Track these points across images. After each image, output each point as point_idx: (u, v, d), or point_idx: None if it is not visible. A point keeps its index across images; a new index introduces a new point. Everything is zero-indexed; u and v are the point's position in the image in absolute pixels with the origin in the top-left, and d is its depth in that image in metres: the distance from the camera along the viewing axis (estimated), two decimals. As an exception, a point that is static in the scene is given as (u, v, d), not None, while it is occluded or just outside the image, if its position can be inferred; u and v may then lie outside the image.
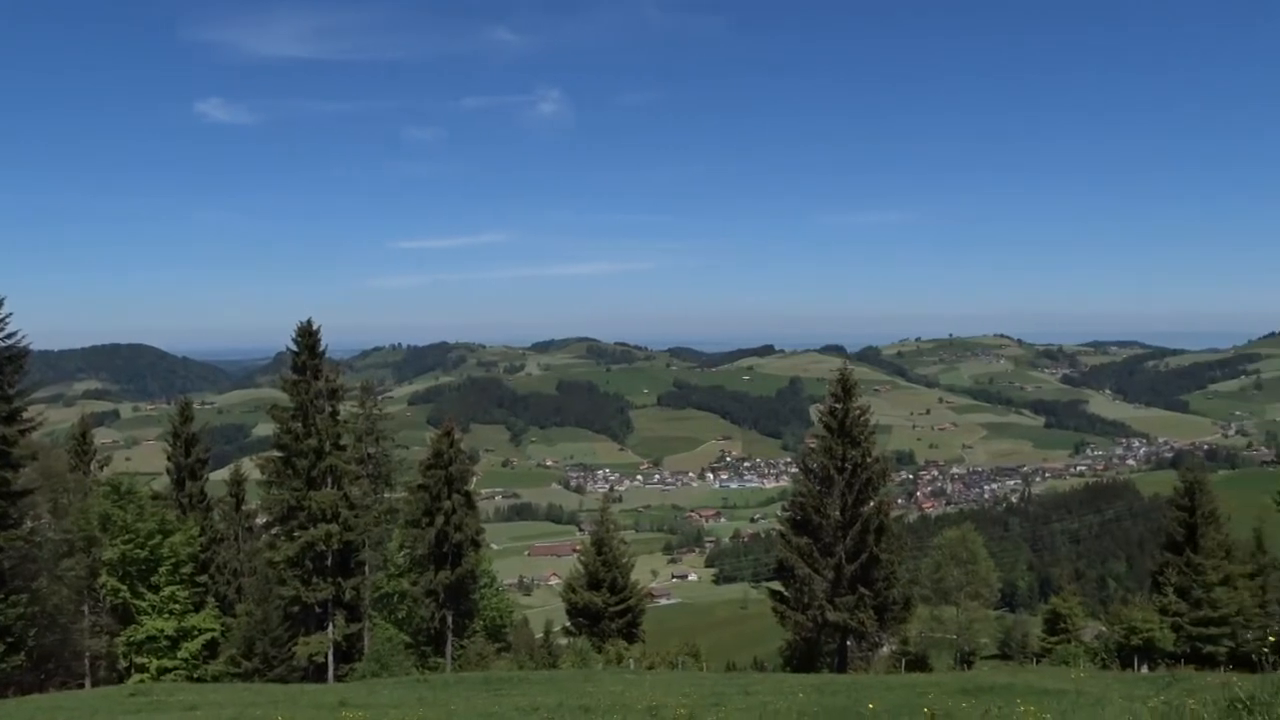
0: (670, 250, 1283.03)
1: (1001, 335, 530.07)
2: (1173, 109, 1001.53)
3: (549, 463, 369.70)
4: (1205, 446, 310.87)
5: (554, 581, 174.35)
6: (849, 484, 42.77)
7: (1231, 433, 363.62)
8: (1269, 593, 49.08)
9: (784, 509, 47.74)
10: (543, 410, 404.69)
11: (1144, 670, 40.92)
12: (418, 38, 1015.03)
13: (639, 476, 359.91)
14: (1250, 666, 31.73)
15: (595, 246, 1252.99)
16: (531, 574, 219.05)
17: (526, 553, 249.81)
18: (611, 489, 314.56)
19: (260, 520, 48.16)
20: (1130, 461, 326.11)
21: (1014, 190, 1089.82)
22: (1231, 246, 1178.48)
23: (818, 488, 43.51)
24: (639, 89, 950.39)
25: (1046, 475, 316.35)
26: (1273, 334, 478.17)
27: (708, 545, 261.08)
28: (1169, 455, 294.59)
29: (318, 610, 42.59)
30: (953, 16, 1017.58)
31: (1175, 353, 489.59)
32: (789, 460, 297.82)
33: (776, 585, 45.93)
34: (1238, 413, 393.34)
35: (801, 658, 46.34)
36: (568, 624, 52.37)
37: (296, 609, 42.25)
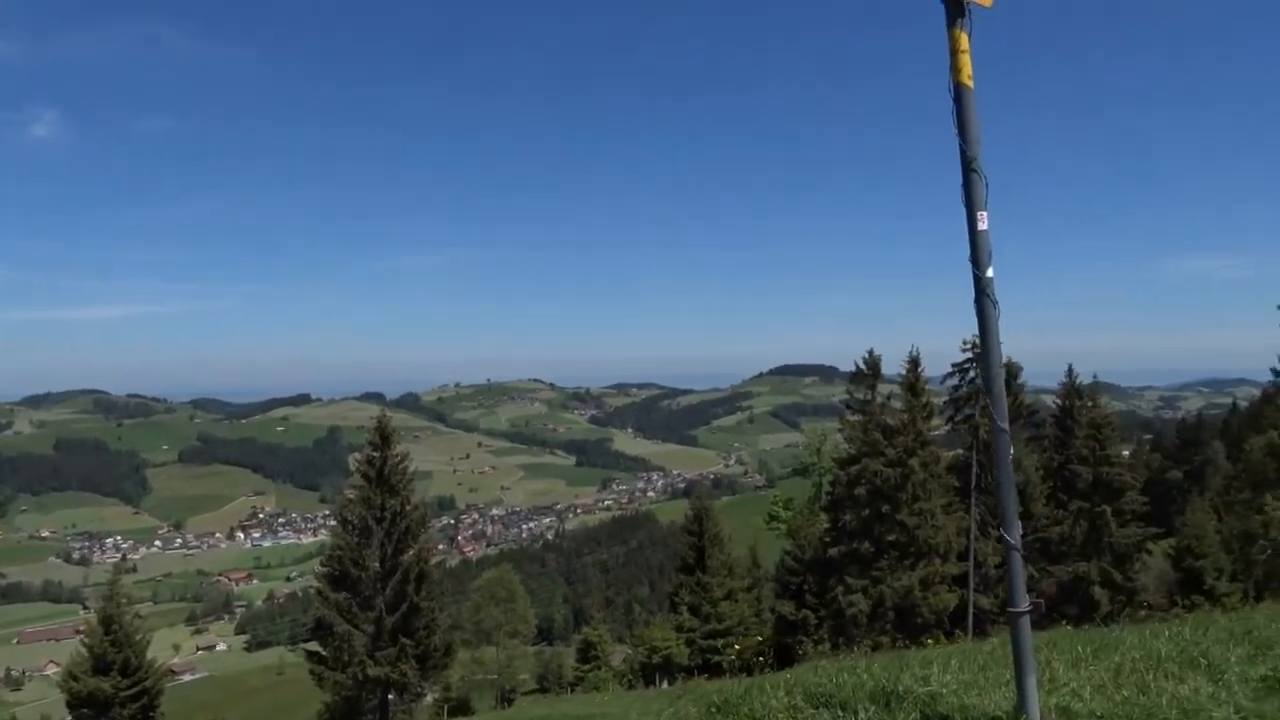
0: (195, 293, 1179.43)
1: (536, 379, 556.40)
2: (609, 170, 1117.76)
3: (45, 534, 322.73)
4: (711, 476, 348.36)
5: (52, 671, 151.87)
6: (388, 533, 42.10)
7: (731, 463, 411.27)
8: (763, 603, 55.79)
9: (322, 564, 45.77)
10: (37, 474, 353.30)
11: (664, 685, 44.56)
12: None
13: (158, 542, 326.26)
14: (747, 670, 35.91)
15: (105, 288, 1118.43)
16: (23, 664, 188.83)
17: (16, 640, 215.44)
18: (124, 558, 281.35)
19: None
20: (650, 493, 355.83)
21: (533, 241, 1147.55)
22: (726, 298, 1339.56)
23: (356, 539, 42.31)
24: (157, 116, 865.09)
25: (579, 511, 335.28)
26: (760, 374, 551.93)
27: (238, 610, 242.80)
28: (682, 485, 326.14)
29: None
30: (435, 85, 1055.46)
31: (685, 392, 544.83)
32: (327, 513, 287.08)
33: (314, 645, 43.88)
34: (736, 445, 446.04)
35: (341, 719, 44.57)
36: (69, 717, 45.94)
37: None
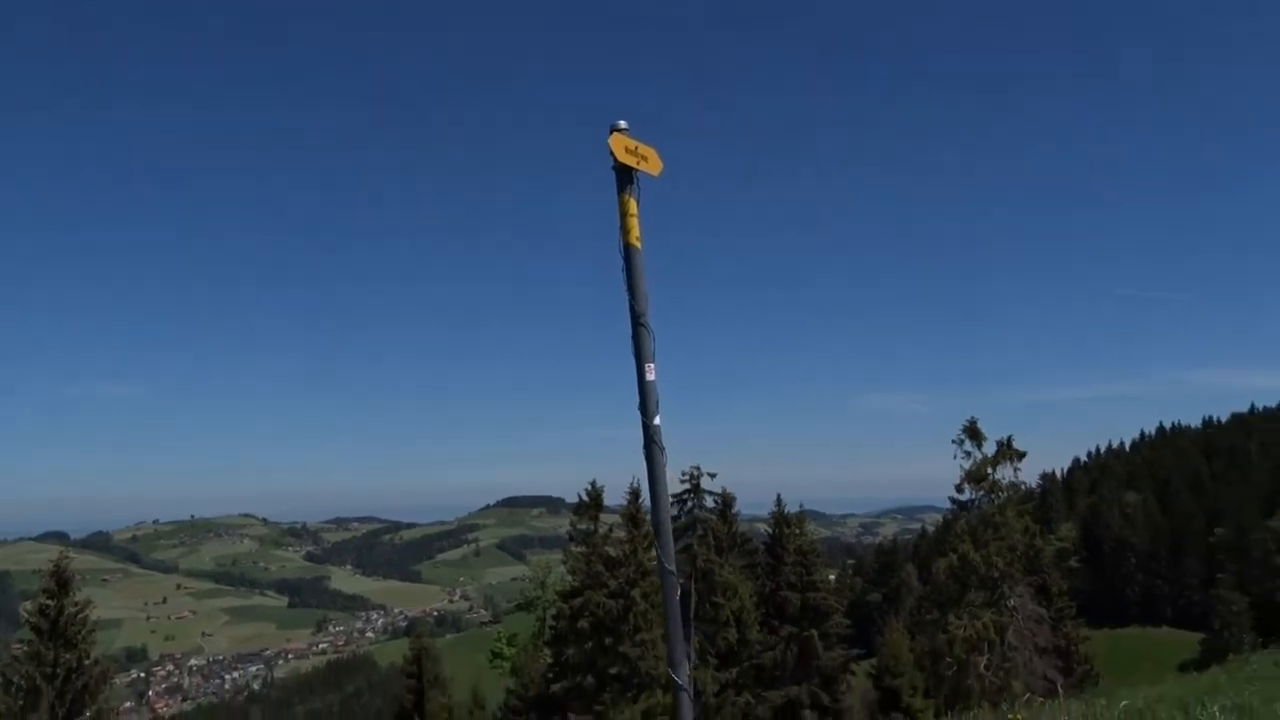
0: None
1: (247, 515, 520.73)
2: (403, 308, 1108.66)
3: None
4: (435, 613, 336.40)
5: None
6: (61, 694, 37.36)
7: (456, 598, 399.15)
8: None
9: (-26, 733, 39.84)
10: None
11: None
12: None
13: None
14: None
15: None
16: None
17: None
18: None
19: None
20: (370, 634, 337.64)
21: (241, 369, 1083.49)
22: (450, 429, 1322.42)
23: (20, 703, 37.20)
24: None
25: (290, 656, 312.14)
26: (487, 506, 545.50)
27: None
28: (404, 624, 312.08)
29: None
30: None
31: (409, 526, 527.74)
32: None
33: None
34: (461, 579, 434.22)
35: None
36: None
37: None
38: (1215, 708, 7.75)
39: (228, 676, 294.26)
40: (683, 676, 4.28)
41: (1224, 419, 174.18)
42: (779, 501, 54.33)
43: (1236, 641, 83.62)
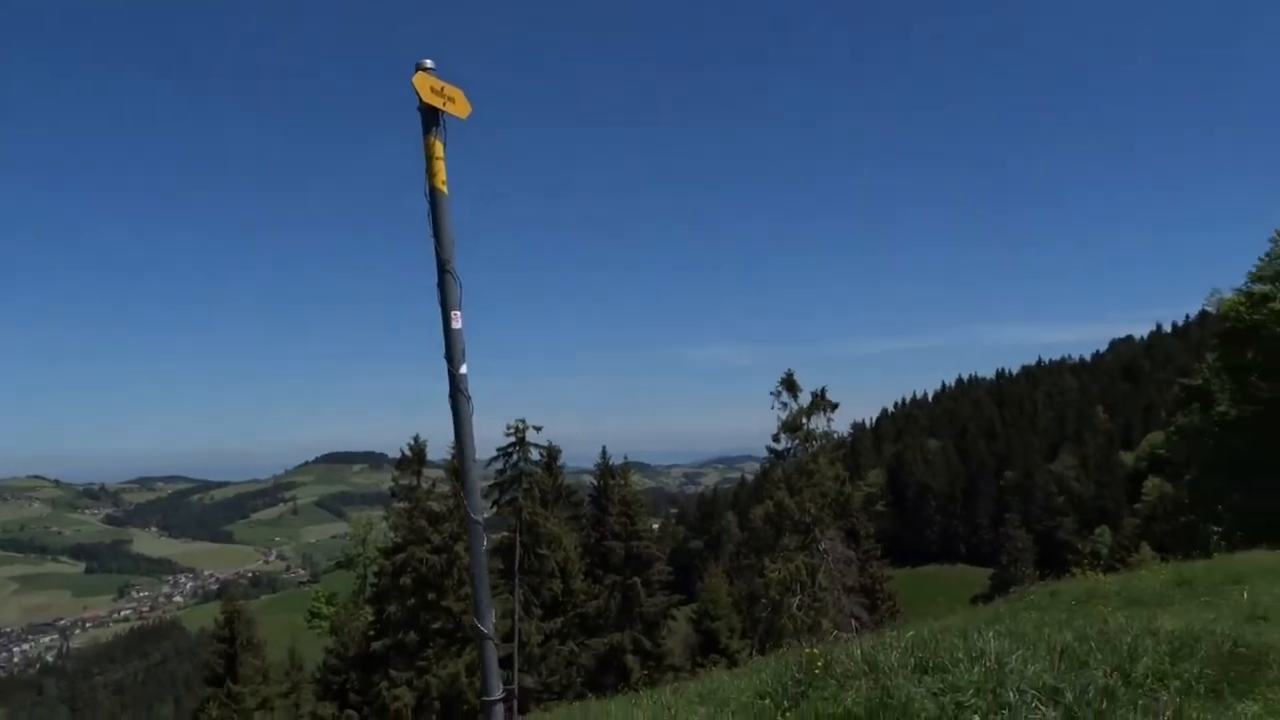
0: None
1: (36, 476, 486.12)
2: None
3: None
4: (249, 574, 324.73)
5: None
6: None
7: (273, 558, 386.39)
8: (301, 708, 52.48)
9: None
10: None
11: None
12: None
13: None
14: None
15: None
16: None
17: None
18: None
19: None
20: (178, 598, 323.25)
21: (30, 321, 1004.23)
22: (260, 384, 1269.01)
23: None
24: None
25: (88, 625, 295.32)
26: (305, 463, 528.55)
27: None
28: (215, 587, 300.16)
29: None
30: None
31: (220, 485, 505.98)
32: None
33: None
34: (278, 538, 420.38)
35: None
36: None
37: None
38: (990, 633, 8.42)
39: (16, 649, 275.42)
40: (488, 625, 4.32)
41: (1014, 371, 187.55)
42: (604, 454, 54.93)
43: (1020, 575, 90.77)
